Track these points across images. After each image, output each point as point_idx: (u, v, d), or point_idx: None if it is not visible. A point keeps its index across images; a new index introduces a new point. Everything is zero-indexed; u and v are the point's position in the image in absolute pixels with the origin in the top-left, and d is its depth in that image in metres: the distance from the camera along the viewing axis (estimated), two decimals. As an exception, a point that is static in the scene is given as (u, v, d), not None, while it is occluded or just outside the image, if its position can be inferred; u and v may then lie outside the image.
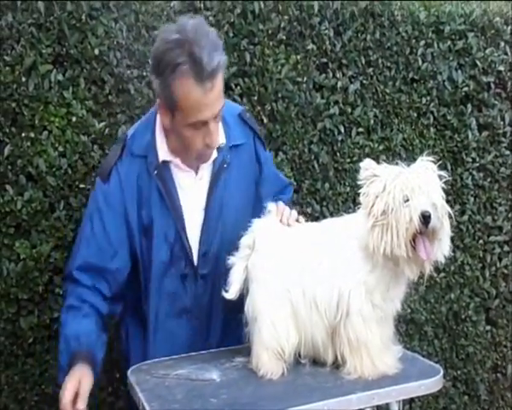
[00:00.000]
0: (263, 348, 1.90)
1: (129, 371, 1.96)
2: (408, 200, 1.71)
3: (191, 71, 1.81)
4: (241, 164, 2.16)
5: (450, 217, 1.78)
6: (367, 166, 1.79)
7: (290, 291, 1.89)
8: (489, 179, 3.55)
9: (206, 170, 2.09)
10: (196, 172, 2.08)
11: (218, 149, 2.07)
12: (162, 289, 2.08)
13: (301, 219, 2.09)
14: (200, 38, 1.82)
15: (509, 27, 3.61)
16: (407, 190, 1.71)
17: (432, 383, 1.85)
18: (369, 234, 1.77)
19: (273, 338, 1.89)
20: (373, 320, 1.85)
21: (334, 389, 1.78)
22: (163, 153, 2.03)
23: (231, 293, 1.93)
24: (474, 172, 3.50)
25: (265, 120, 2.99)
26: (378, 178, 1.77)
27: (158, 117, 2.04)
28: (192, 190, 2.07)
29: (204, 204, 2.08)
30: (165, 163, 2.03)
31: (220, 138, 2.04)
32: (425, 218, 1.70)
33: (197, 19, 1.91)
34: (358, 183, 1.83)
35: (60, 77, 2.56)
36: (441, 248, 1.79)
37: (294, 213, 2.07)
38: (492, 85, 3.56)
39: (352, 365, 1.87)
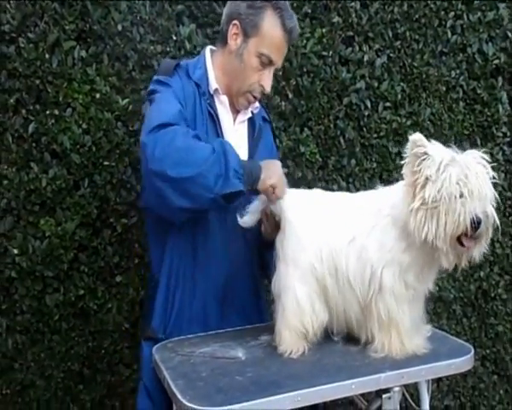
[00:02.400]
0: (285, 327, 1.88)
1: (153, 349, 1.95)
2: (462, 196, 1.65)
3: (281, 14, 2.04)
4: (266, 137, 2.26)
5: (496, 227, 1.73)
6: (418, 141, 1.69)
7: (318, 269, 1.86)
8: (520, 155, 3.47)
9: (242, 126, 2.19)
10: (234, 122, 2.17)
11: (253, 113, 2.21)
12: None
13: None
14: (288, 9, 2.09)
15: (542, -2, 3.51)
16: (465, 187, 1.64)
17: (462, 363, 1.81)
18: (412, 215, 1.70)
19: (296, 317, 1.87)
20: (405, 299, 1.82)
21: (361, 367, 1.75)
22: (214, 84, 2.11)
23: (245, 221, 1.96)
24: (505, 147, 3.43)
25: (290, 96, 2.94)
26: (430, 158, 1.67)
27: (208, 55, 2.16)
28: (231, 133, 2.13)
29: (244, 156, 2.10)
30: (213, 96, 2.11)
31: (256, 103, 2.20)
32: (476, 223, 1.65)
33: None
34: (404, 155, 1.74)
35: (83, 53, 2.55)
36: (480, 248, 1.74)
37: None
38: (524, 58, 3.45)
39: (380, 342, 1.84)
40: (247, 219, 1.98)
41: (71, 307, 2.59)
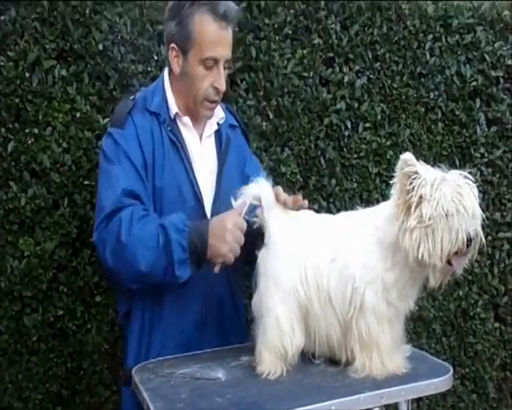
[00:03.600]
0: (265, 348, 1.86)
1: (133, 370, 1.93)
2: (458, 213, 1.66)
3: (209, 7, 1.98)
4: (236, 144, 2.26)
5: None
6: (408, 160, 1.70)
7: (300, 290, 1.85)
8: (498, 175, 3.50)
9: (209, 140, 2.18)
10: (200, 138, 2.16)
11: (219, 125, 2.18)
12: None
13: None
14: None
15: (518, 21, 3.57)
16: (460, 204, 1.66)
17: (441, 382, 1.81)
18: (407, 235, 1.70)
19: (277, 338, 1.85)
20: (386, 319, 1.82)
21: (342, 388, 1.74)
22: (174, 107, 2.10)
23: (237, 203, 1.93)
24: (483, 168, 3.46)
25: (271, 116, 2.96)
26: (421, 177, 1.68)
27: (166, 78, 2.14)
28: (197, 152, 2.13)
29: (213, 170, 2.14)
30: (175, 120, 2.10)
31: (220, 113, 2.19)
32: (469, 241, 1.68)
33: None
34: (394, 174, 1.75)
35: (64, 72, 2.55)
36: (463, 265, 1.77)
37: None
38: (501, 80, 3.51)
39: (360, 362, 1.83)
40: (239, 201, 1.95)
41: (49, 328, 2.57)
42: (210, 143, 2.18)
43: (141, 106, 2.09)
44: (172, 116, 2.09)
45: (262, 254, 1.92)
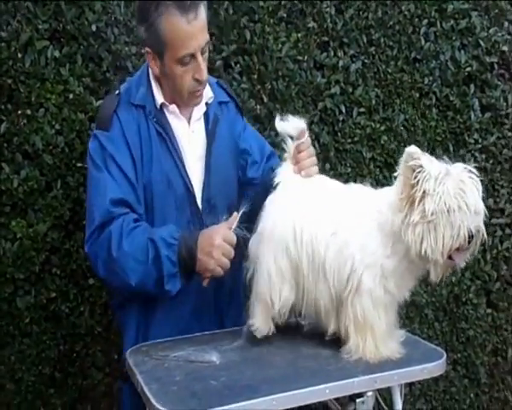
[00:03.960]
0: (257, 299, 1.93)
1: (127, 353, 1.93)
2: (460, 209, 1.67)
3: (173, 4, 1.91)
4: (228, 120, 2.24)
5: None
6: (414, 153, 1.70)
7: (291, 247, 1.87)
8: (491, 161, 3.50)
9: (198, 122, 2.16)
10: (189, 123, 2.13)
11: (207, 104, 2.15)
12: None
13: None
14: None
15: (514, 7, 3.56)
16: (462, 201, 1.66)
17: (435, 367, 1.82)
18: (410, 229, 1.71)
19: (266, 290, 1.90)
20: (382, 304, 1.83)
21: (335, 371, 1.75)
22: (159, 98, 2.08)
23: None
24: (477, 154, 3.45)
25: (265, 99, 2.95)
26: (425, 171, 1.68)
27: (150, 69, 2.10)
28: (186, 138, 2.12)
29: (201, 153, 2.13)
30: (162, 109, 2.08)
31: (208, 93, 2.15)
32: (470, 237, 1.69)
33: None
34: (398, 167, 1.75)
35: (56, 53, 2.52)
36: (464, 260, 1.79)
37: (314, 160, 2.07)
38: (496, 66, 3.49)
39: (354, 343, 1.84)
40: None
41: (42, 310, 2.56)
42: (199, 126, 2.16)
43: (126, 100, 2.07)
44: (158, 106, 2.07)
45: (268, 200, 1.96)
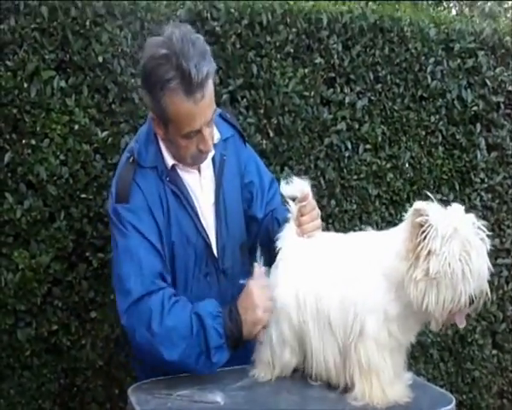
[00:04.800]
0: (258, 356, 1.95)
1: (129, 390, 1.87)
2: (463, 274, 1.63)
3: (180, 86, 1.81)
4: (232, 156, 2.19)
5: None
6: (421, 210, 1.65)
7: (293, 315, 1.87)
8: (497, 201, 3.50)
9: (208, 168, 2.10)
10: (199, 172, 2.09)
11: (215, 145, 2.08)
12: (188, 292, 2.03)
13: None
14: (187, 49, 1.81)
15: (520, 47, 3.57)
16: (467, 266, 1.62)
17: (445, 413, 1.77)
18: (413, 284, 1.67)
19: (268, 353, 1.91)
20: (387, 348, 1.78)
21: (342, 416, 1.70)
22: (169, 159, 2.02)
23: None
24: (483, 194, 3.45)
25: (271, 134, 2.94)
26: (432, 228, 1.64)
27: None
28: (199, 189, 2.08)
29: (213, 200, 2.09)
30: (173, 168, 2.03)
31: (215, 134, 2.06)
32: (472, 302, 1.65)
33: (183, 27, 1.89)
34: (404, 218, 1.72)
35: (62, 83, 2.52)
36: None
37: (318, 223, 2.03)
38: (502, 105, 3.52)
39: (360, 390, 1.78)
40: None
41: (43, 343, 2.53)
42: (208, 171, 2.12)
43: (140, 164, 2.00)
44: (169, 168, 2.01)
45: (272, 268, 1.97)
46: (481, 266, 1.65)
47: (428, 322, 1.73)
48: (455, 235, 1.63)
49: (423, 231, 1.64)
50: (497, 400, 3.57)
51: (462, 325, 1.72)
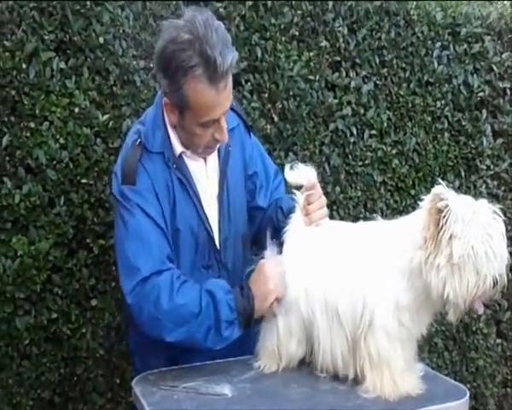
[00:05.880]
0: (263, 348, 1.92)
1: (133, 382, 1.84)
2: (487, 255, 1.61)
3: (204, 74, 1.77)
4: (237, 146, 2.15)
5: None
6: (441, 194, 1.63)
7: (302, 306, 1.86)
8: (503, 188, 3.47)
9: (213, 158, 2.07)
10: (205, 162, 2.05)
11: None
12: None
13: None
14: (210, 36, 1.76)
15: (526, 32, 3.53)
16: (490, 247, 1.61)
17: (459, 406, 1.72)
18: (434, 271, 1.64)
19: (274, 345, 1.89)
20: (397, 339, 1.75)
21: (355, 408, 1.66)
22: (178, 146, 1.98)
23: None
24: (488, 181, 3.43)
25: (276, 119, 2.89)
26: (452, 212, 1.62)
27: (165, 112, 1.98)
28: (204, 179, 2.05)
29: (217, 191, 2.06)
30: (180, 156, 1.99)
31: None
32: (495, 285, 1.65)
33: (204, 12, 1.83)
34: (421, 203, 1.70)
35: (62, 65, 2.46)
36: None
37: (325, 211, 2.00)
38: (508, 91, 3.48)
39: (371, 381, 1.75)
40: None
41: (42, 331, 2.48)
42: (214, 160, 2.08)
43: (146, 149, 1.96)
44: (177, 155, 1.97)
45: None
46: (502, 247, 1.64)
47: (445, 313, 1.71)
48: (474, 218, 1.61)
49: (443, 216, 1.61)
50: (501, 389, 3.58)
51: (481, 310, 1.71)
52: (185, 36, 1.75)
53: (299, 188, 1.97)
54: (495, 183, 3.44)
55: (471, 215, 1.62)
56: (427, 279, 1.65)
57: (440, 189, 1.64)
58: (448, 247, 1.61)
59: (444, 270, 1.63)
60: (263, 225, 2.17)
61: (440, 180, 1.69)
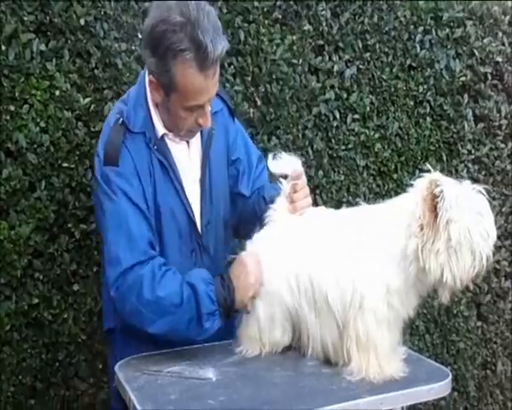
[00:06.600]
0: (245, 336, 1.93)
1: (116, 367, 1.83)
2: (481, 236, 1.64)
3: (195, 59, 1.76)
4: (220, 130, 2.15)
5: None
6: (437, 180, 1.64)
7: (286, 298, 1.87)
8: (483, 172, 3.49)
9: (196, 140, 2.06)
10: (188, 145, 2.05)
11: None
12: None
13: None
14: (202, 20, 1.75)
15: (507, 17, 3.56)
16: (483, 227, 1.63)
17: (441, 388, 1.76)
18: (432, 257, 1.65)
19: (256, 333, 1.91)
20: (385, 321, 1.77)
21: (339, 392, 1.67)
22: (160, 127, 1.96)
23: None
24: (470, 165, 3.45)
25: (259, 103, 2.87)
26: (446, 197, 1.63)
27: (148, 89, 1.96)
28: (186, 162, 2.04)
29: (199, 175, 2.06)
30: (162, 137, 1.97)
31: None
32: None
33: None
34: (412, 189, 1.72)
35: (42, 47, 2.42)
36: None
37: (309, 200, 2.01)
38: (489, 76, 3.49)
39: (357, 364, 1.77)
40: None
41: (23, 317, 2.45)
42: (196, 144, 2.07)
43: (128, 128, 1.94)
44: (159, 136, 1.95)
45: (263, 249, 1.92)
46: (491, 225, 1.67)
47: (435, 295, 1.77)
48: (466, 200, 1.64)
49: (439, 201, 1.63)
50: (480, 371, 3.61)
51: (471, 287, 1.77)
52: (177, 17, 1.74)
53: (284, 177, 1.97)
54: (476, 167, 3.45)
55: (464, 197, 1.64)
56: (426, 266, 1.66)
57: (437, 175, 1.66)
58: (445, 231, 1.63)
59: (442, 255, 1.64)
60: (244, 215, 2.18)
61: (428, 165, 1.72)
